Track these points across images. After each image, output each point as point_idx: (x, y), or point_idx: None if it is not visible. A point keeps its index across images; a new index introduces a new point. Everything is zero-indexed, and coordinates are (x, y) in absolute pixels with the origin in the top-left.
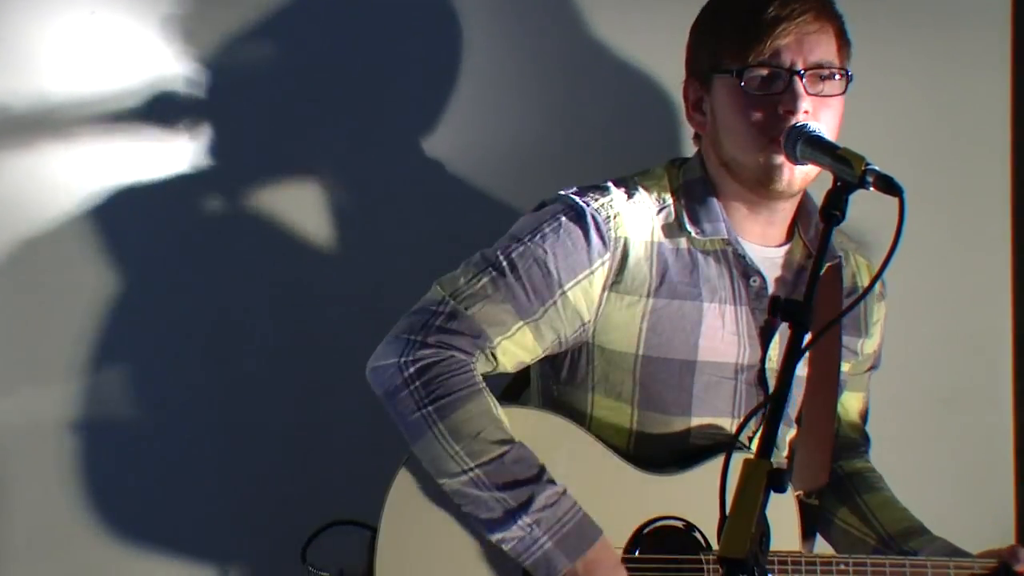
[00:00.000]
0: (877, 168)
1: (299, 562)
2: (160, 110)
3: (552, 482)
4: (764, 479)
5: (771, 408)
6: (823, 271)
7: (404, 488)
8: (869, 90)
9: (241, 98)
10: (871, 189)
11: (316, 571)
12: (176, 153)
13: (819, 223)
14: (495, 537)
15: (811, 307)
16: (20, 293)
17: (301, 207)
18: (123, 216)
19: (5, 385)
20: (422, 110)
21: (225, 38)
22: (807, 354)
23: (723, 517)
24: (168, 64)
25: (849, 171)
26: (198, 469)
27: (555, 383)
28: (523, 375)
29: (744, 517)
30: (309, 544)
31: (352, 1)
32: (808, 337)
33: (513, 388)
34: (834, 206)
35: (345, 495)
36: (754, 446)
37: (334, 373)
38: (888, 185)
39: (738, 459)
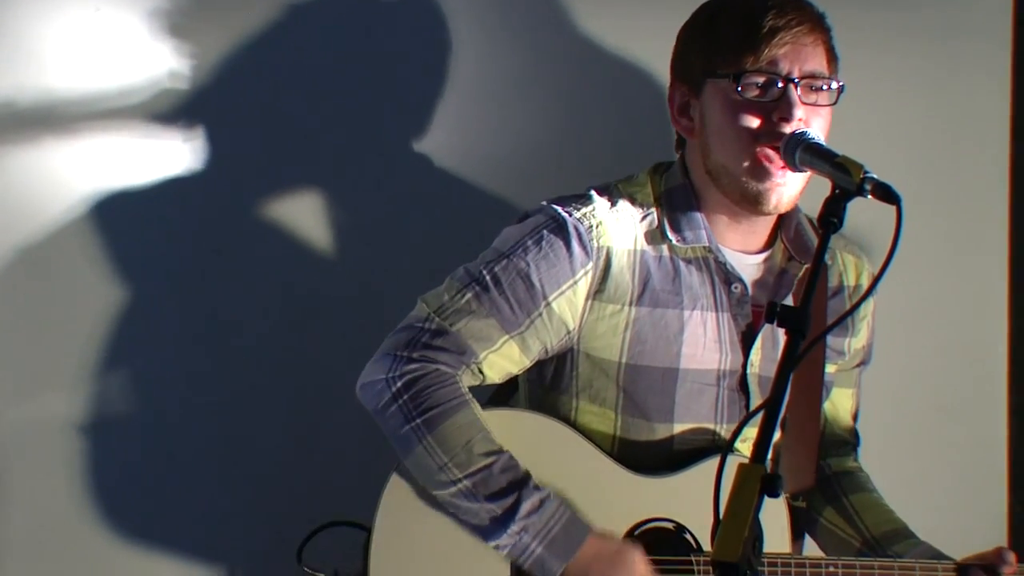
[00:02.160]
0: (875, 176)
1: (295, 563)
2: (164, 108)
3: (538, 488)
4: (758, 484)
5: (766, 414)
6: (802, 272)
7: (398, 489)
8: (869, 97)
9: (245, 98)
10: (869, 197)
11: (312, 572)
12: (179, 152)
13: (799, 224)
14: (491, 544)
15: (808, 314)
16: (20, 290)
17: (304, 209)
18: (126, 214)
19: (5, 385)
20: (423, 113)
21: (230, 38)
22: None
23: (717, 521)
24: (172, 62)
25: (847, 179)
26: (194, 470)
27: (540, 388)
28: (511, 380)
29: (738, 521)
30: (305, 545)
31: (354, 5)
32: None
33: (501, 393)
34: (832, 214)
35: (342, 496)
36: (743, 449)
37: (331, 375)
38: (886, 193)
39: (731, 462)
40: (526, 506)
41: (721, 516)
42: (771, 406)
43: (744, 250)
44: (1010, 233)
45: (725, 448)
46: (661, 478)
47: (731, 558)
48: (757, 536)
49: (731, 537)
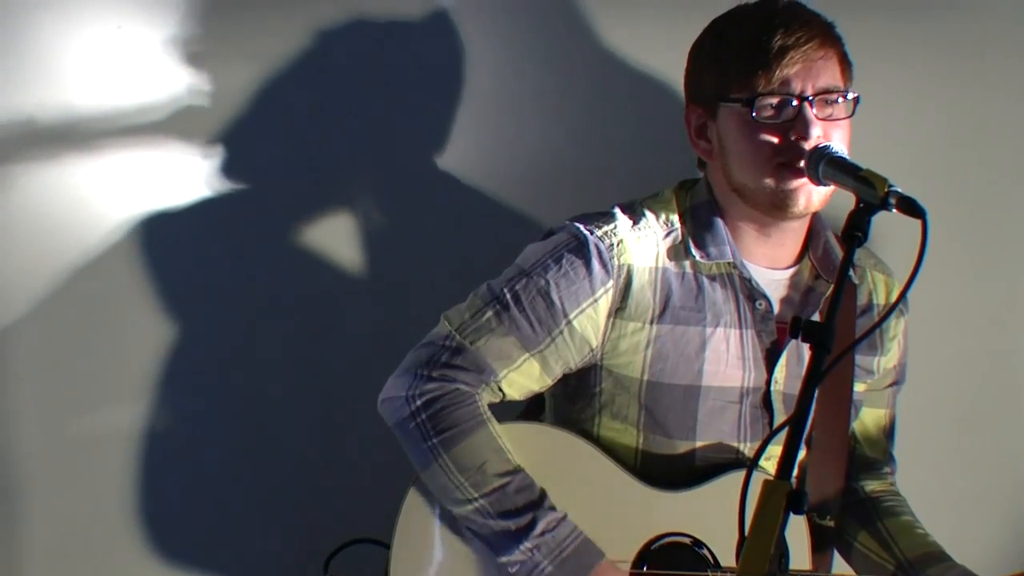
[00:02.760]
0: (900, 190)
1: None
2: (185, 125)
3: (553, 508)
4: (784, 500)
5: (791, 430)
6: (830, 291)
7: (415, 507)
8: (889, 108)
9: (265, 114)
10: (894, 211)
11: None
12: (199, 167)
13: (827, 241)
14: (501, 560)
15: (833, 329)
16: (41, 303)
17: (325, 223)
18: (147, 230)
19: (30, 394)
20: (443, 126)
21: (249, 54)
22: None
23: (742, 537)
24: (193, 79)
25: (872, 192)
26: (219, 484)
27: (564, 402)
28: (540, 396)
29: (763, 538)
30: (329, 562)
31: (370, 17)
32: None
33: (532, 407)
34: (856, 227)
35: (367, 513)
36: (767, 467)
37: (357, 388)
38: (911, 207)
39: (755, 479)
40: (541, 525)
41: (746, 532)
42: (796, 422)
43: (771, 266)
44: None
45: (750, 465)
46: (679, 493)
47: (758, 574)
48: (783, 553)
49: (757, 553)
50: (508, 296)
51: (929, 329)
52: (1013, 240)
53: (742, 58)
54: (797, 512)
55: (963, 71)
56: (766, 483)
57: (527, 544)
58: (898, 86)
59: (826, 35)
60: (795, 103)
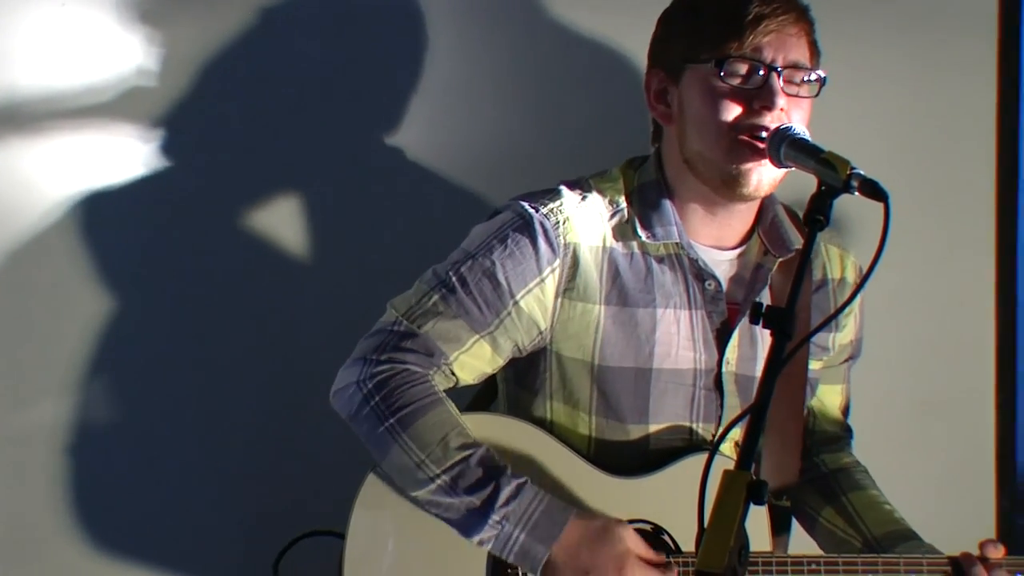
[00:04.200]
0: (862, 172)
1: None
2: (133, 106)
3: (516, 476)
4: (744, 491)
5: (752, 418)
6: (776, 266)
7: (371, 495)
8: (853, 92)
9: (217, 96)
10: (856, 194)
11: None
12: (149, 151)
13: (776, 216)
14: (474, 539)
15: (794, 315)
16: None
17: (275, 210)
18: (95, 215)
19: None
20: (396, 110)
21: (201, 34)
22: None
23: (701, 529)
24: (141, 58)
25: (834, 175)
26: (169, 480)
27: (516, 389)
28: (491, 385)
29: (723, 530)
30: (281, 557)
31: (330, 3)
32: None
33: (481, 399)
34: (818, 211)
35: (319, 507)
36: (723, 448)
37: (308, 382)
38: (873, 190)
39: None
40: (504, 494)
41: (705, 524)
42: (757, 410)
43: (718, 246)
44: (996, 228)
45: (710, 453)
46: (637, 479)
47: (716, 568)
48: (743, 545)
49: (716, 546)
50: (454, 279)
51: (892, 313)
52: (976, 223)
53: (717, 21)
54: (758, 503)
55: (924, 53)
56: (726, 473)
57: (494, 517)
58: (859, 69)
59: (801, 14)
60: (763, 72)
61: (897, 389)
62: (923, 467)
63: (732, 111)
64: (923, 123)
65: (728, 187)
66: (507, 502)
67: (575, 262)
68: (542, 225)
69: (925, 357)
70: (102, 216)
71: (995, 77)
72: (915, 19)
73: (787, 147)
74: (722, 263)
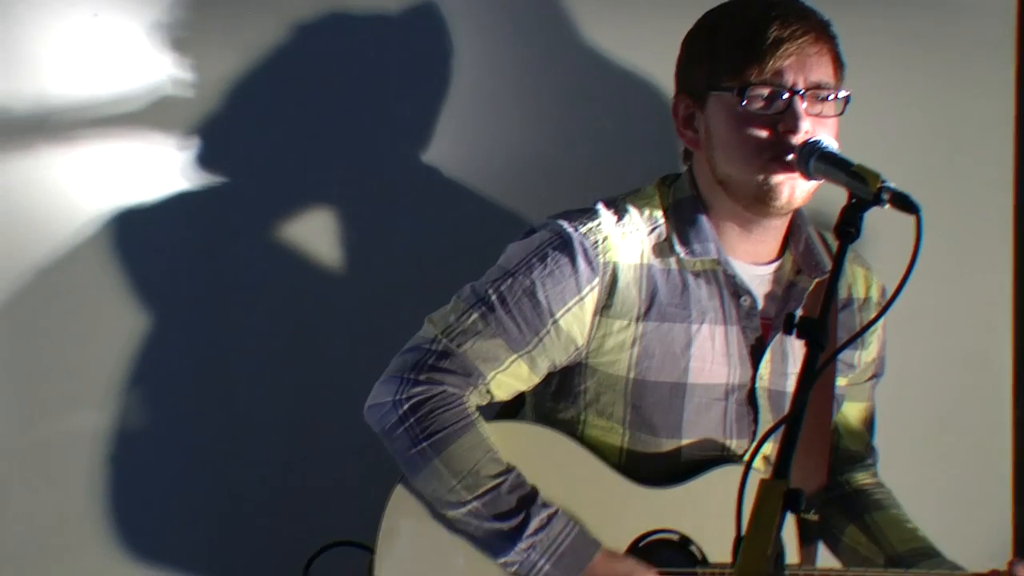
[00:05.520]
0: (893, 186)
1: None
2: (164, 116)
3: (546, 505)
4: (780, 500)
5: (787, 429)
6: (812, 286)
7: (399, 509)
8: (871, 104)
9: (247, 106)
10: (886, 207)
11: None
12: (179, 160)
13: (808, 237)
14: (499, 562)
15: (827, 325)
16: (13, 299)
17: (305, 219)
18: (123, 222)
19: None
20: (425, 123)
21: (231, 45)
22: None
23: (739, 537)
24: (173, 69)
25: (864, 188)
26: (199, 486)
27: (547, 401)
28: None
29: (760, 537)
30: (310, 566)
31: (353, 12)
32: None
33: (509, 406)
34: (849, 223)
35: (348, 515)
36: (757, 463)
37: (338, 390)
38: (904, 203)
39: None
40: (534, 523)
41: (743, 532)
42: (792, 421)
43: (754, 261)
44: (1014, 242)
45: (746, 464)
46: (665, 489)
47: (756, 574)
48: (779, 553)
49: (754, 554)
50: (494, 297)
51: (909, 328)
52: (995, 238)
53: (736, 47)
54: (795, 511)
55: (942, 67)
56: (763, 482)
57: (522, 544)
58: (880, 85)
59: (821, 31)
60: (785, 96)
61: (914, 404)
62: (940, 482)
63: (758, 136)
64: (941, 137)
65: (761, 202)
66: (536, 532)
67: (614, 280)
68: (582, 244)
69: (942, 370)
70: (134, 225)
71: (1013, 92)
72: (933, 34)
73: (816, 160)
74: (757, 279)
